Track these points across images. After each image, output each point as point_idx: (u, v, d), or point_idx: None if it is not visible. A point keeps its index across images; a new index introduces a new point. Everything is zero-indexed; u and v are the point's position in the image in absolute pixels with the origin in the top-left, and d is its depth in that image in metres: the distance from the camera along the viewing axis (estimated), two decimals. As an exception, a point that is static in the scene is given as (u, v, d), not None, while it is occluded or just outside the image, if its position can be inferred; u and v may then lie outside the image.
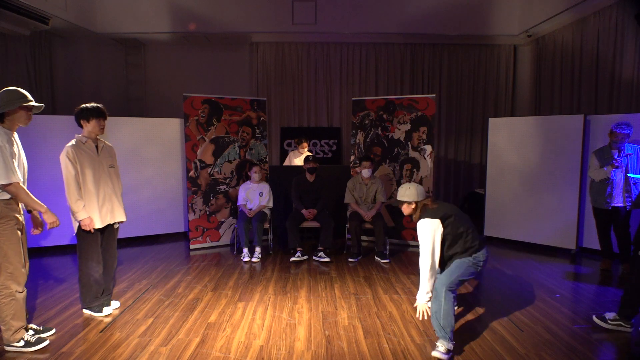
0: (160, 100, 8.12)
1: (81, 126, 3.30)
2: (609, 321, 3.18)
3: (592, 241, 5.10)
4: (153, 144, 5.91)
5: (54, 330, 3.11)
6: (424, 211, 2.90)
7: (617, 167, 4.26)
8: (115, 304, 3.60)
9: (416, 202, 2.93)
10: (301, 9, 7.35)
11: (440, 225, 2.81)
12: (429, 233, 2.79)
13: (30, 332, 2.99)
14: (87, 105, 3.29)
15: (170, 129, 6.04)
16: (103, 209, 3.33)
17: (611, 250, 4.62)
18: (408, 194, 2.94)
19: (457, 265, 2.84)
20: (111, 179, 3.42)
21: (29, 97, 2.83)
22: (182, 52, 8.11)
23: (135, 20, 7.27)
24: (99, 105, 3.32)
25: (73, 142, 3.25)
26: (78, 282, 3.45)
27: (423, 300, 2.82)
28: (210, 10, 7.29)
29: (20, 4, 5.48)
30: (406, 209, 2.98)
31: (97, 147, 3.34)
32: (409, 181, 5.63)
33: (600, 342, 2.99)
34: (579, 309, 3.57)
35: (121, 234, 5.69)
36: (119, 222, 3.50)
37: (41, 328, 3.09)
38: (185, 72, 8.10)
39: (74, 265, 4.82)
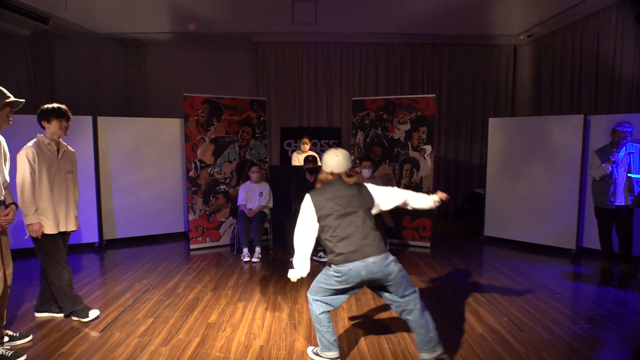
0: (160, 100, 8.13)
1: (43, 127, 3.15)
2: None
3: (592, 241, 5.10)
4: (153, 144, 5.91)
5: (30, 337, 2.96)
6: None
7: (614, 162, 4.25)
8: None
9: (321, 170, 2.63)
10: (301, 9, 7.36)
11: (313, 209, 2.49)
12: (302, 210, 2.54)
13: (6, 338, 2.83)
14: (48, 105, 3.15)
15: (170, 129, 6.04)
16: (58, 214, 3.17)
17: (612, 250, 4.62)
18: (328, 161, 2.55)
19: (322, 271, 2.63)
20: (67, 185, 3.24)
21: (8, 92, 2.60)
22: (182, 52, 8.11)
23: (135, 20, 7.28)
24: (60, 105, 3.18)
25: (34, 141, 3.09)
26: (42, 287, 3.32)
27: (292, 274, 2.66)
28: (210, 10, 7.29)
29: (20, 4, 5.49)
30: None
31: (58, 150, 3.19)
32: (409, 181, 5.62)
33: (601, 342, 2.99)
34: (579, 309, 3.57)
35: (121, 234, 5.76)
36: (70, 231, 3.32)
37: (17, 334, 2.92)
38: (185, 72, 8.11)
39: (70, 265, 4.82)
